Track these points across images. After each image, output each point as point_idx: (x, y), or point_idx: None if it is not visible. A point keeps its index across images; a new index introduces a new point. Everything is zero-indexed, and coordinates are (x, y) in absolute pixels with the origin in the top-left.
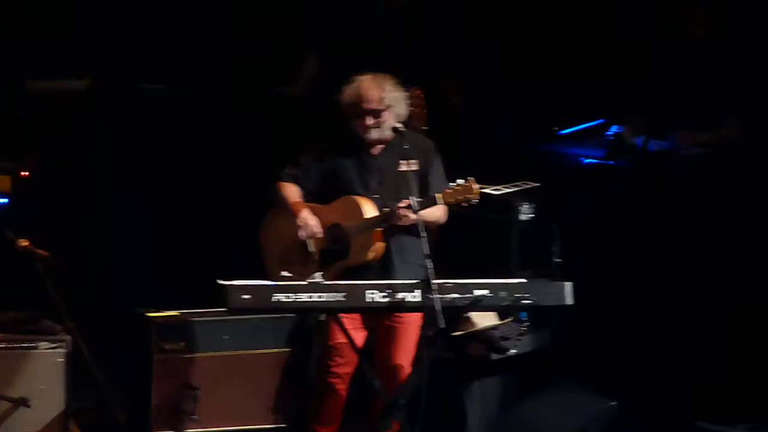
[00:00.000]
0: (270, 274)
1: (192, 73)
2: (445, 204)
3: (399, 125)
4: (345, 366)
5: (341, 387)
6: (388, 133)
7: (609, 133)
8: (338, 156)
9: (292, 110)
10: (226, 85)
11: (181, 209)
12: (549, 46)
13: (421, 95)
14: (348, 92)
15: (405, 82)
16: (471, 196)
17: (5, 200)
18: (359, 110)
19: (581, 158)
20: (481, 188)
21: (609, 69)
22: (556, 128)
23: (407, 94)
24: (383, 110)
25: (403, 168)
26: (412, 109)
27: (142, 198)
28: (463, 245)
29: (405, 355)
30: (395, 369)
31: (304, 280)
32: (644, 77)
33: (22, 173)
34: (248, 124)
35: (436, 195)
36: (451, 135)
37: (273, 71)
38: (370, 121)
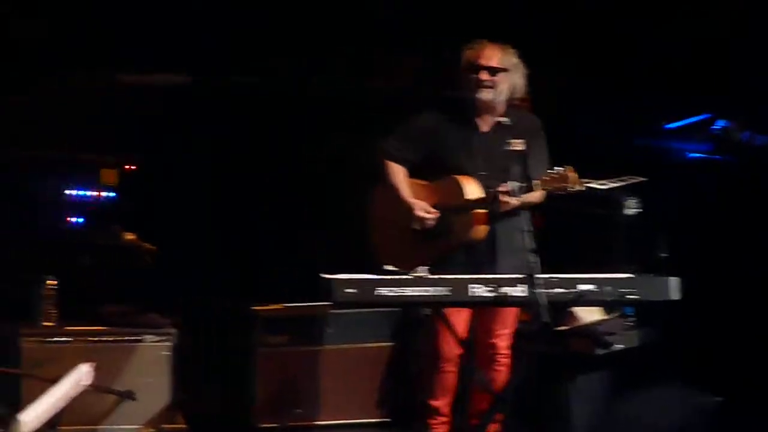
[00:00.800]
0: (376, 251)
1: (285, 67)
2: (542, 190)
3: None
4: (455, 349)
5: (451, 368)
6: (500, 100)
7: (715, 127)
8: (447, 131)
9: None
10: (317, 77)
11: (284, 202)
12: (655, 39)
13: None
14: (468, 51)
15: None
16: (567, 184)
17: (112, 194)
18: (476, 67)
19: (687, 153)
20: (585, 183)
21: (715, 63)
22: (661, 122)
23: (528, 71)
24: (500, 70)
25: (511, 147)
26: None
27: (245, 191)
28: (567, 240)
29: (505, 329)
30: (494, 345)
31: (408, 272)
32: (751, 71)
33: (128, 167)
34: (341, 117)
35: (534, 182)
36: (552, 128)
37: (362, 65)
38: (485, 76)
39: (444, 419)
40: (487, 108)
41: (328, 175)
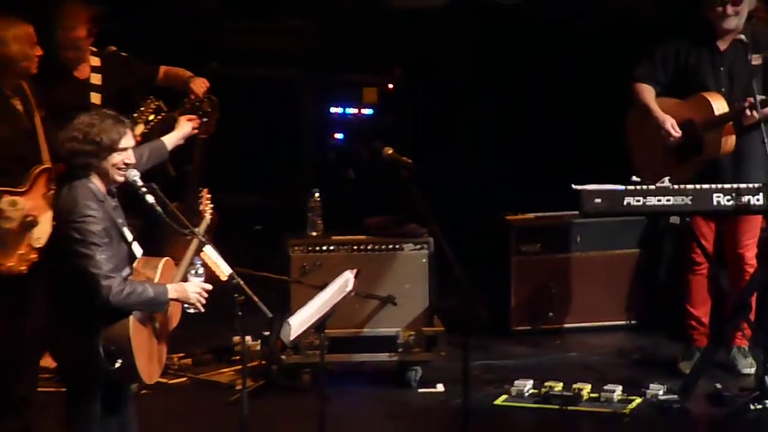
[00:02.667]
0: (639, 173)
1: None
2: None
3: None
4: (705, 257)
5: (704, 272)
6: (741, 22)
7: None
8: (691, 52)
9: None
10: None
11: (535, 116)
12: None
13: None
14: None
15: None
16: None
17: (372, 111)
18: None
19: None
20: None
21: None
22: None
23: None
24: None
25: (754, 62)
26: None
27: (498, 106)
28: None
29: (752, 239)
30: (742, 255)
31: (653, 183)
32: None
33: (389, 85)
34: (606, 32)
35: None
36: None
37: None
38: (730, 10)
39: (703, 328)
40: (729, 30)
41: (578, 92)
